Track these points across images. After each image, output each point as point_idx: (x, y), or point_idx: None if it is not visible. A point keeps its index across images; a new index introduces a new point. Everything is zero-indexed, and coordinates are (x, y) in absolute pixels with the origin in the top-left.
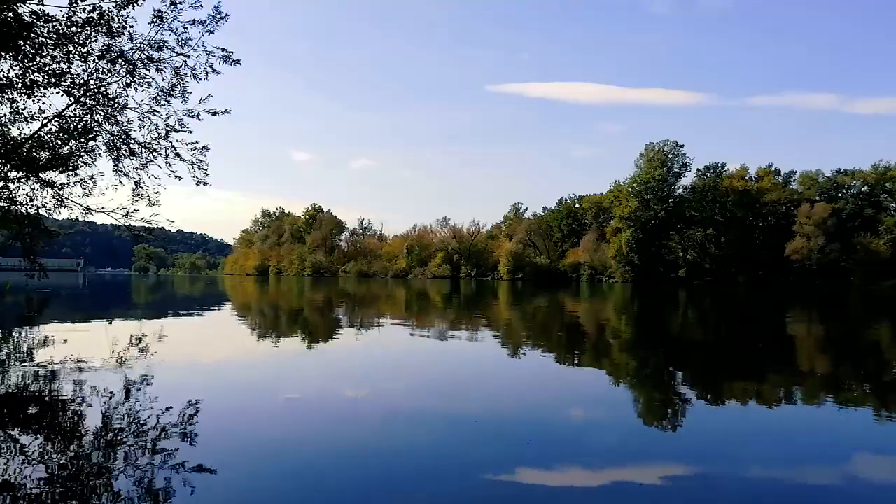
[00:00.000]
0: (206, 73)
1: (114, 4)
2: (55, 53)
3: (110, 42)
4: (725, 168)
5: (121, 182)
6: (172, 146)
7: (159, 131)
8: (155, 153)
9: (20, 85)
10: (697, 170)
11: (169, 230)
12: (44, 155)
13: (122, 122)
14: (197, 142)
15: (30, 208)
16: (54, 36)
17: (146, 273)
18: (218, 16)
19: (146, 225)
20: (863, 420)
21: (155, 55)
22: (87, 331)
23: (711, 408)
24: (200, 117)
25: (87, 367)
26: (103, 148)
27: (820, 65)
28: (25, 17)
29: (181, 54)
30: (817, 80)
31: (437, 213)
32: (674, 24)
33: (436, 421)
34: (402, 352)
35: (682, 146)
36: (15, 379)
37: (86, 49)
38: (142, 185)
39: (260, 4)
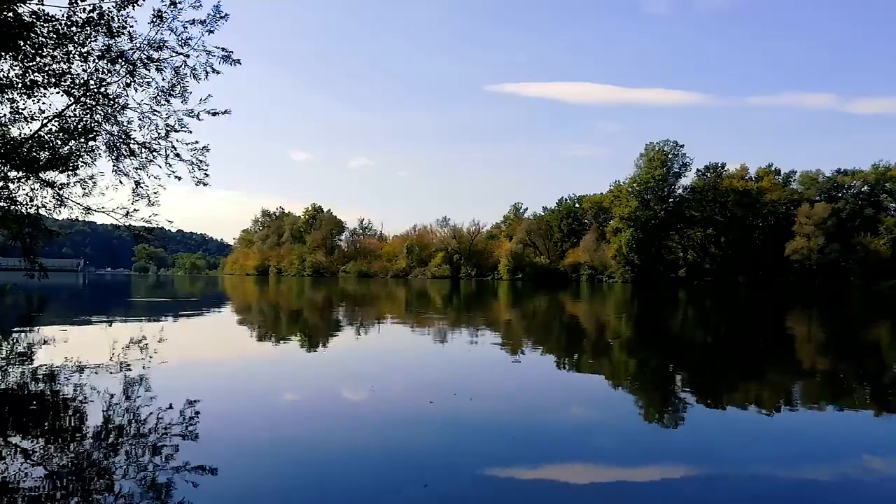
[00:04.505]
0: (206, 72)
1: (114, 4)
2: (55, 53)
3: (110, 42)
4: (725, 168)
5: (121, 182)
6: (172, 146)
7: (159, 131)
8: (155, 153)
9: (20, 85)
10: (697, 170)
11: (169, 230)
12: (44, 155)
13: (122, 122)
14: (197, 142)
15: (30, 208)
16: (54, 36)
17: (146, 273)
18: (217, 15)
19: (146, 225)
20: (863, 420)
21: (155, 55)
22: (87, 331)
23: (711, 408)
24: (200, 117)
25: (87, 367)
26: (103, 148)
27: (818, 65)
28: (25, 17)
29: (181, 54)
30: (815, 79)
31: (436, 213)
32: (672, 24)
33: (435, 421)
34: (402, 352)
35: (682, 146)
36: (15, 379)
37: (86, 49)
38: (142, 185)
39: (260, 4)
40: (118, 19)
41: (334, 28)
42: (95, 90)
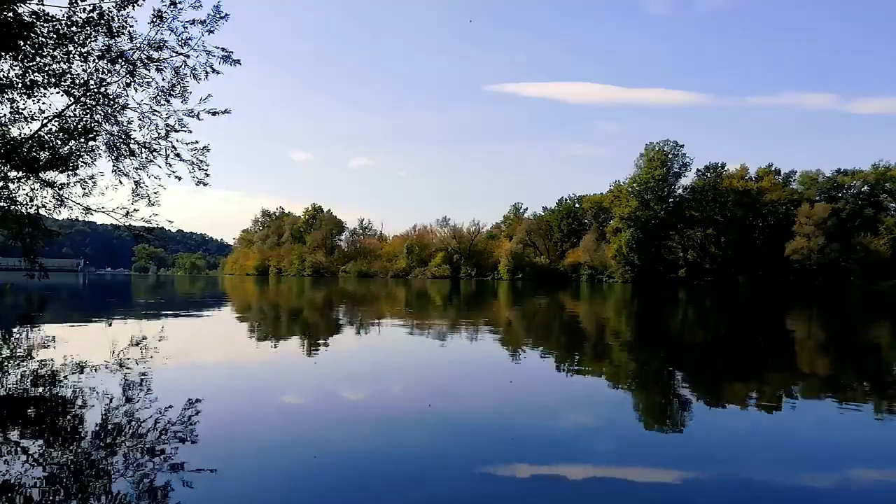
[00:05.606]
0: (206, 72)
1: (114, 4)
2: (55, 53)
3: (110, 42)
4: (725, 168)
5: (121, 182)
6: (172, 146)
7: (159, 131)
8: (155, 153)
9: (20, 85)
10: (697, 170)
11: (169, 230)
12: (44, 155)
13: (122, 122)
14: (197, 142)
15: (30, 208)
16: (54, 36)
17: (146, 273)
18: (217, 15)
19: (146, 225)
20: (863, 421)
21: (155, 55)
22: (87, 331)
23: (712, 409)
24: (200, 117)
25: (86, 367)
26: (103, 148)
27: (818, 65)
28: (25, 17)
29: (181, 54)
30: (815, 79)
31: (436, 213)
32: (672, 24)
33: (436, 422)
34: (402, 353)
35: (682, 146)
36: (15, 379)
37: (86, 49)
38: (142, 185)
39: (260, 4)
40: (118, 19)
41: (334, 28)
42: (95, 90)
